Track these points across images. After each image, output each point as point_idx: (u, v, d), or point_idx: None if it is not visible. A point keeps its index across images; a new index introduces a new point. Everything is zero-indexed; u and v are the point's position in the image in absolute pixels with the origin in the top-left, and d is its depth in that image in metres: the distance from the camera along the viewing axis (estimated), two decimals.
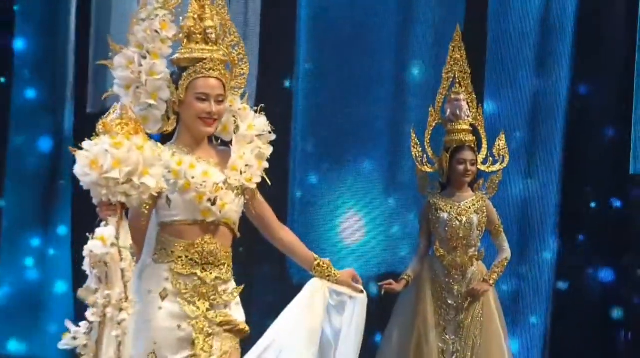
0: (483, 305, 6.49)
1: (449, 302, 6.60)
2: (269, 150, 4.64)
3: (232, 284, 4.57)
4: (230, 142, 4.65)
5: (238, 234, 4.61)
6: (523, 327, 9.49)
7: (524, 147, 9.55)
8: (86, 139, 4.48)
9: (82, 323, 4.17)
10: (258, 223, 4.81)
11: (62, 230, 9.79)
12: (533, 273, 9.42)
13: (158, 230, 4.57)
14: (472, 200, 6.58)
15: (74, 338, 4.16)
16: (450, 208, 6.55)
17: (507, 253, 6.66)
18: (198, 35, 4.58)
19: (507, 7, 9.70)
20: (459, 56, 6.87)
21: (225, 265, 4.55)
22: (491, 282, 6.50)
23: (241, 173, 4.56)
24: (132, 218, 4.35)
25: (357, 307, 4.90)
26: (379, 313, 6.97)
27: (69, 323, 4.16)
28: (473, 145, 6.70)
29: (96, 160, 4.12)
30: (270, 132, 4.66)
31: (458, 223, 6.49)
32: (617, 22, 9.74)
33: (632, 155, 9.63)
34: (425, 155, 6.77)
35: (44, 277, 9.80)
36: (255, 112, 4.69)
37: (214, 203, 4.46)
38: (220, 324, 4.51)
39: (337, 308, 4.90)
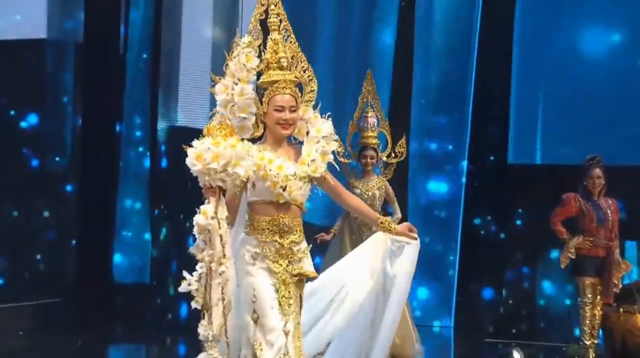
0: None
1: None
2: (331, 147, 5.38)
3: (304, 244, 5.34)
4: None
5: (305, 210, 5.37)
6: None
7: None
8: None
9: (195, 273, 4.93)
10: (332, 195, 5.60)
11: (138, 204, 12.65)
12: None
13: (248, 211, 5.33)
14: (376, 181, 8.68)
15: (189, 284, 4.93)
16: (362, 186, 8.64)
17: (398, 214, 8.70)
18: (274, 64, 5.30)
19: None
20: (370, 88, 8.89)
21: (298, 231, 5.30)
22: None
23: (308, 166, 5.30)
24: (229, 197, 5.05)
25: (412, 250, 5.64)
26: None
27: (186, 274, 4.93)
28: (375, 146, 8.70)
29: (201, 154, 4.88)
30: (333, 134, 5.43)
31: (366, 196, 8.52)
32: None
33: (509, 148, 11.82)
34: (346, 151, 8.71)
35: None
36: (323, 118, 5.47)
37: (284, 189, 5.23)
38: (296, 275, 5.27)
39: (397, 252, 5.61)
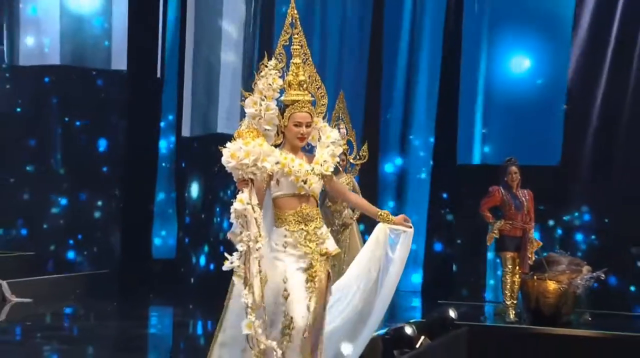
0: (349, 230, 9.09)
1: (333, 229, 8.79)
2: (339, 151, 5.64)
3: (325, 228, 5.60)
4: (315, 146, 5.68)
5: (319, 201, 5.63)
6: None
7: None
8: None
9: (235, 253, 5.16)
10: (336, 194, 6.12)
11: (173, 194, 13.91)
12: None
13: (274, 208, 5.52)
14: (345, 178, 9.08)
15: (232, 262, 5.15)
16: None
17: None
18: (295, 85, 5.54)
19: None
20: (342, 105, 9.39)
21: (318, 218, 5.55)
22: (354, 218, 8.98)
23: (321, 165, 5.54)
24: (256, 190, 5.25)
25: (407, 237, 5.84)
26: None
27: (227, 255, 5.14)
28: (345, 151, 8.93)
29: (234, 153, 5.13)
30: (340, 140, 5.70)
31: None
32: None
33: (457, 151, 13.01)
34: None
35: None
36: (331, 127, 5.72)
37: (305, 182, 5.46)
38: (323, 254, 5.50)
39: (395, 239, 5.80)
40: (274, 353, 5.26)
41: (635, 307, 11.93)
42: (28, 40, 13.63)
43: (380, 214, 5.84)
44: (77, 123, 13.86)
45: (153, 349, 9.98)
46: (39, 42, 13.70)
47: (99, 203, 13.84)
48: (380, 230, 5.86)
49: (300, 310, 5.40)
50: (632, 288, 12.07)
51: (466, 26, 13.04)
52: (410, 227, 5.84)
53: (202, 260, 13.42)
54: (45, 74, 13.68)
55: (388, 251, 5.81)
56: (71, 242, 13.85)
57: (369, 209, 5.98)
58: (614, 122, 12.24)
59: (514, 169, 10.36)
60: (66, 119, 13.78)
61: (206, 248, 13.22)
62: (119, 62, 13.72)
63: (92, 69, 13.71)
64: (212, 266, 13.19)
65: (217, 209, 12.99)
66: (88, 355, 9.16)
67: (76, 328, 10.85)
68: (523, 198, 10.40)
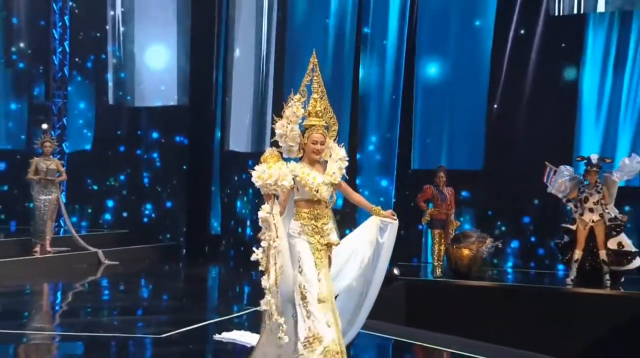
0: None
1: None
2: (345, 164, 6.19)
3: (331, 224, 6.17)
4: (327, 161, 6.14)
5: (329, 204, 6.13)
6: None
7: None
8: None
9: (259, 248, 5.83)
10: (344, 193, 6.35)
11: (219, 190, 16.30)
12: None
13: (295, 206, 6.13)
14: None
15: (257, 255, 5.82)
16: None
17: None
18: (313, 114, 6.13)
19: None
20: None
21: (326, 216, 6.16)
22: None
23: (330, 176, 6.11)
24: (282, 198, 5.98)
25: (393, 227, 6.35)
26: None
27: (255, 249, 5.83)
28: None
29: (260, 175, 5.80)
30: (346, 157, 6.20)
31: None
32: None
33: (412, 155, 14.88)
34: None
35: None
36: (339, 146, 6.22)
37: (317, 191, 6.05)
38: (325, 245, 6.09)
39: (383, 228, 6.32)
40: (280, 327, 5.98)
41: (519, 264, 14.39)
42: (118, 85, 16.73)
43: (374, 209, 6.39)
44: (155, 138, 16.74)
45: (209, 298, 11.78)
46: (125, 87, 16.73)
47: (170, 196, 16.83)
48: (372, 220, 6.43)
49: (310, 282, 6.02)
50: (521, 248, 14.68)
51: (418, 63, 14.91)
52: (396, 220, 6.39)
53: (239, 235, 15.26)
54: (133, 108, 16.97)
55: (378, 237, 6.35)
56: (149, 222, 16.75)
57: (366, 205, 6.48)
58: (513, 139, 14.38)
59: (441, 173, 12.77)
60: (147, 138, 16.59)
61: (239, 229, 15.55)
62: (183, 98, 16.63)
63: (167, 104, 16.65)
64: (236, 234, 15.45)
65: (249, 197, 15.25)
66: (162, 301, 10.82)
67: (151, 283, 12.60)
68: (447, 194, 12.74)
